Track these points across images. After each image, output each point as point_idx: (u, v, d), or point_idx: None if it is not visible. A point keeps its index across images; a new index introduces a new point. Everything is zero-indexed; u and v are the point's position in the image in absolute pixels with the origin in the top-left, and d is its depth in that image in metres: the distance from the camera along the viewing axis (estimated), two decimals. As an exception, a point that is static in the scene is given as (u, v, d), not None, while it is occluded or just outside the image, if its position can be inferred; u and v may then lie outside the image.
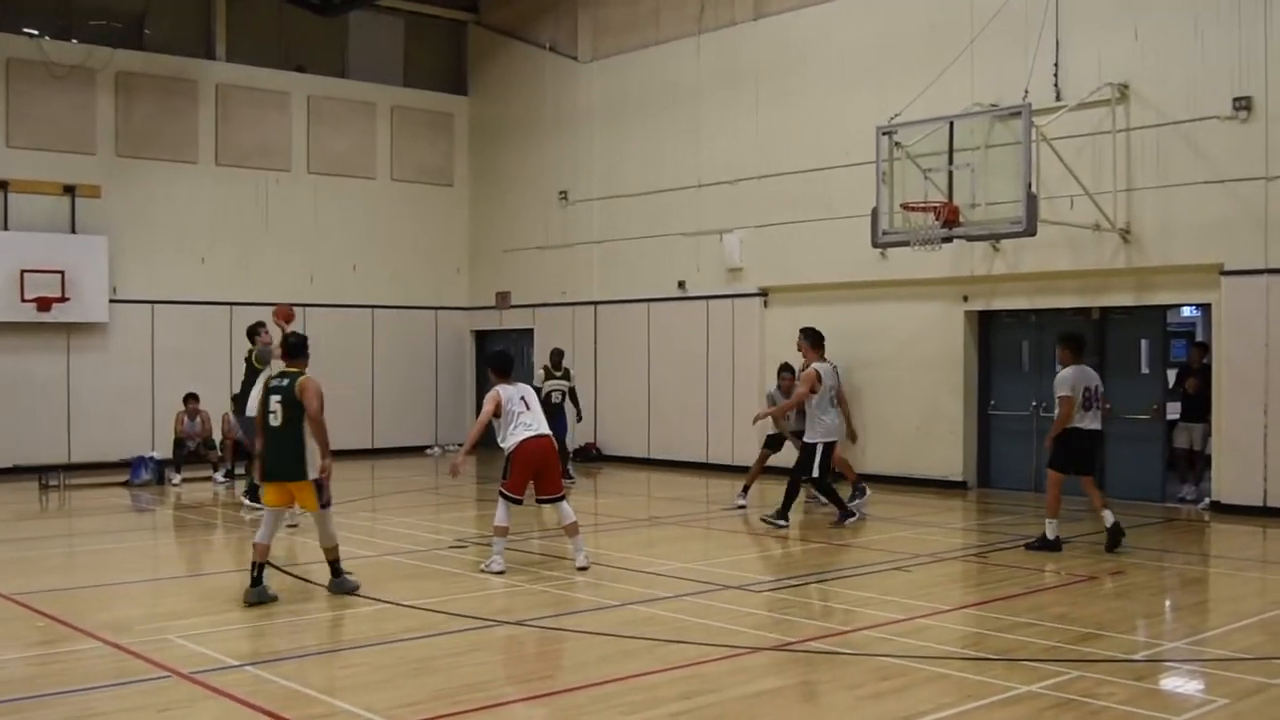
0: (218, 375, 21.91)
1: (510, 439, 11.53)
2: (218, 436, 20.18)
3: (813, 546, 13.46)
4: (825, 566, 12.19)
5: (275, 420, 10.36)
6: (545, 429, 11.67)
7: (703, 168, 21.25)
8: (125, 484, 19.43)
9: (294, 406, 10.29)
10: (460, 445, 25.18)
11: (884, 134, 15.82)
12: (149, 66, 22.38)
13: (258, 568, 10.23)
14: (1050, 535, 12.65)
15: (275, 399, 10.39)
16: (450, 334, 25.85)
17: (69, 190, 21.42)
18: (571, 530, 11.70)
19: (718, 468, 20.57)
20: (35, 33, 21.31)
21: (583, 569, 11.49)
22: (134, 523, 16.62)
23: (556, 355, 19.52)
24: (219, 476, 19.68)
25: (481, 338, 25.95)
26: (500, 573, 11.34)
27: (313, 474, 10.32)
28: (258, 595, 10.09)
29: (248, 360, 16.15)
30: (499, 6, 25.70)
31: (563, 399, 18.90)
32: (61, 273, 20.76)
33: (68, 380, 21.28)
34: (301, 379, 10.42)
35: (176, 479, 19.48)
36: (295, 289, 23.61)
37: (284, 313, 15.25)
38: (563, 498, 11.76)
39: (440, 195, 25.83)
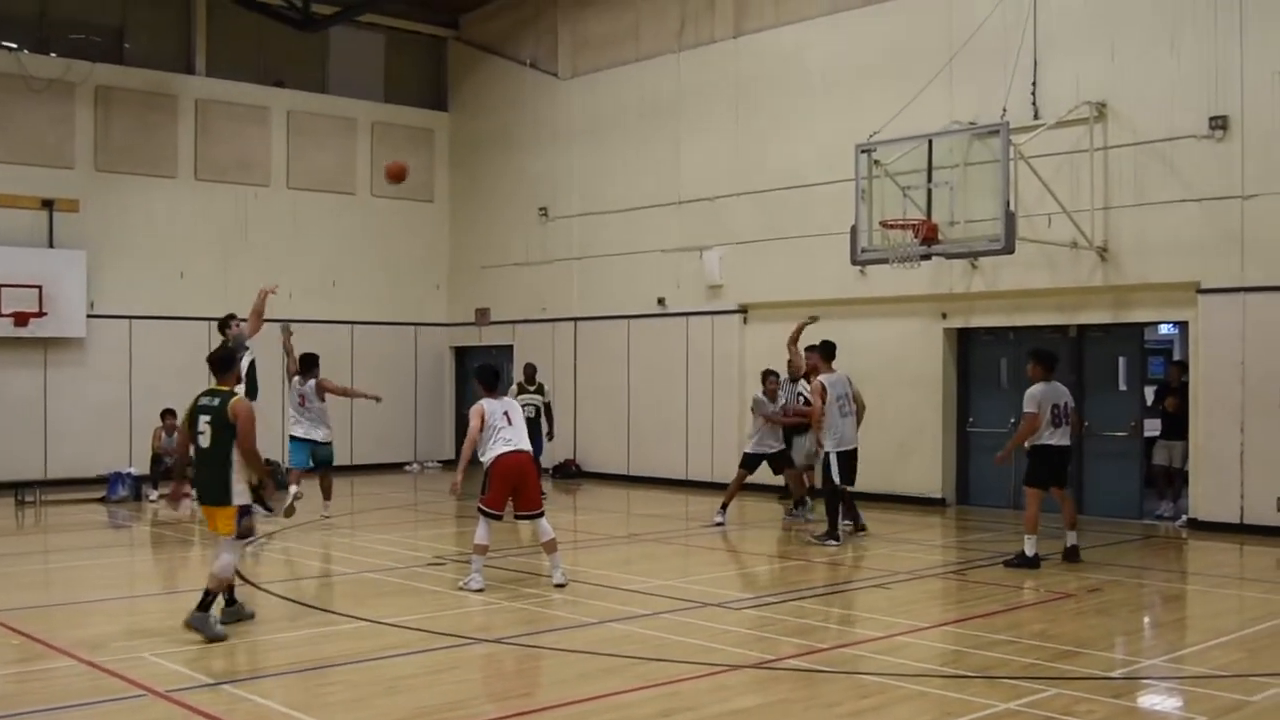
0: (196, 391, 21.72)
1: (489, 453, 11.52)
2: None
3: (792, 564, 13.45)
4: (804, 584, 12.18)
5: (204, 441, 9.74)
6: (525, 444, 11.65)
7: (682, 184, 21.28)
8: (102, 500, 19.32)
9: (224, 428, 9.62)
10: (440, 463, 25.29)
11: (863, 152, 15.88)
12: (128, 80, 22.32)
13: (228, 589, 9.95)
14: (1029, 552, 12.68)
15: (204, 419, 9.74)
16: (430, 350, 25.81)
17: (47, 204, 21.31)
18: (549, 548, 11.66)
19: (697, 484, 20.56)
20: (13, 46, 21.23)
21: (560, 586, 11.45)
22: (110, 539, 16.53)
23: (530, 370, 19.33)
24: (195, 493, 19.51)
25: (461, 354, 25.90)
26: (479, 590, 11.30)
27: (238, 500, 9.75)
28: (231, 615, 9.88)
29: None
30: (479, 23, 25.72)
31: (537, 414, 18.44)
32: (39, 287, 20.65)
33: (44, 396, 21.14)
34: (234, 400, 9.76)
35: (154, 495, 19.37)
36: (274, 305, 23.44)
37: (396, 169, 14.77)
38: (541, 514, 11.71)
39: (420, 211, 25.81)
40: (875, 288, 18.06)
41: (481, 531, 11.51)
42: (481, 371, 12.12)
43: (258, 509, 15.59)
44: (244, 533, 9.88)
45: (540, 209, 23.93)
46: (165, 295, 22.36)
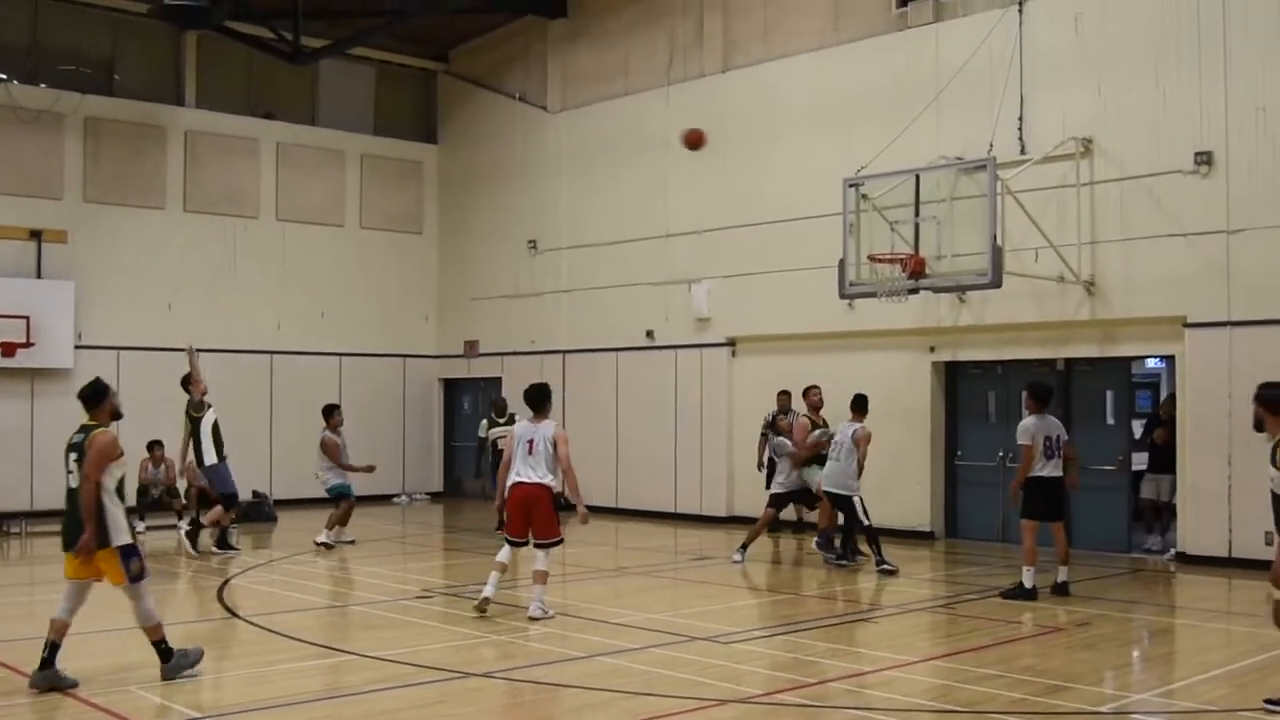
0: (182, 422, 21.73)
1: (507, 482, 11.69)
2: (182, 485, 19.99)
3: (781, 598, 13.42)
4: (793, 618, 12.14)
5: (73, 480, 9.11)
6: (536, 476, 11.62)
7: (671, 218, 21.33)
8: (88, 532, 19.17)
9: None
10: (429, 495, 25.23)
11: (850, 186, 15.95)
12: (118, 112, 22.34)
13: (51, 648, 8.96)
14: (1028, 584, 12.70)
15: (73, 457, 9.13)
16: (419, 382, 25.76)
17: (35, 235, 21.29)
18: (538, 578, 11.61)
19: (686, 517, 20.53)
20: (3, 77, 21.23)
21: (533, 619, 11.38)
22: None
23: (501, 403, 19.21)
24: (183, 525, 19.46)
25: (450, 386, 25.87)
26: (483, 600, 11.54)
27: (116, 540, 9.03)
28: (46, 679, 8.80)
29: (188, 413, 16.66)
30: (469, 56, 25.81)
31: None
32: (27, 318, 20.59)
33: (31, 426, 21.05)
34: (94, 433, 9.09)
35: (140, 527, 19.22)
36: (263, 336, 23.55)
37: (695, 137, 14.75)
38: (547, 545, 11.64)
39: (409, 243, 25.83)
40: (863, 321, 18.09)
41: (502, 551, 11.84)
42: (526, 392, 12.17)
43: (220, 552, 15.44)
44: (136, 575, 9.05)
45: (529, 241, 23.97)
46: (153, 326, 22.28)
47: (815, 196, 18.56)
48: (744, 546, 15.68)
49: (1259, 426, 8.22)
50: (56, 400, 21.20)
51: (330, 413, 18.04)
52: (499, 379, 24.50)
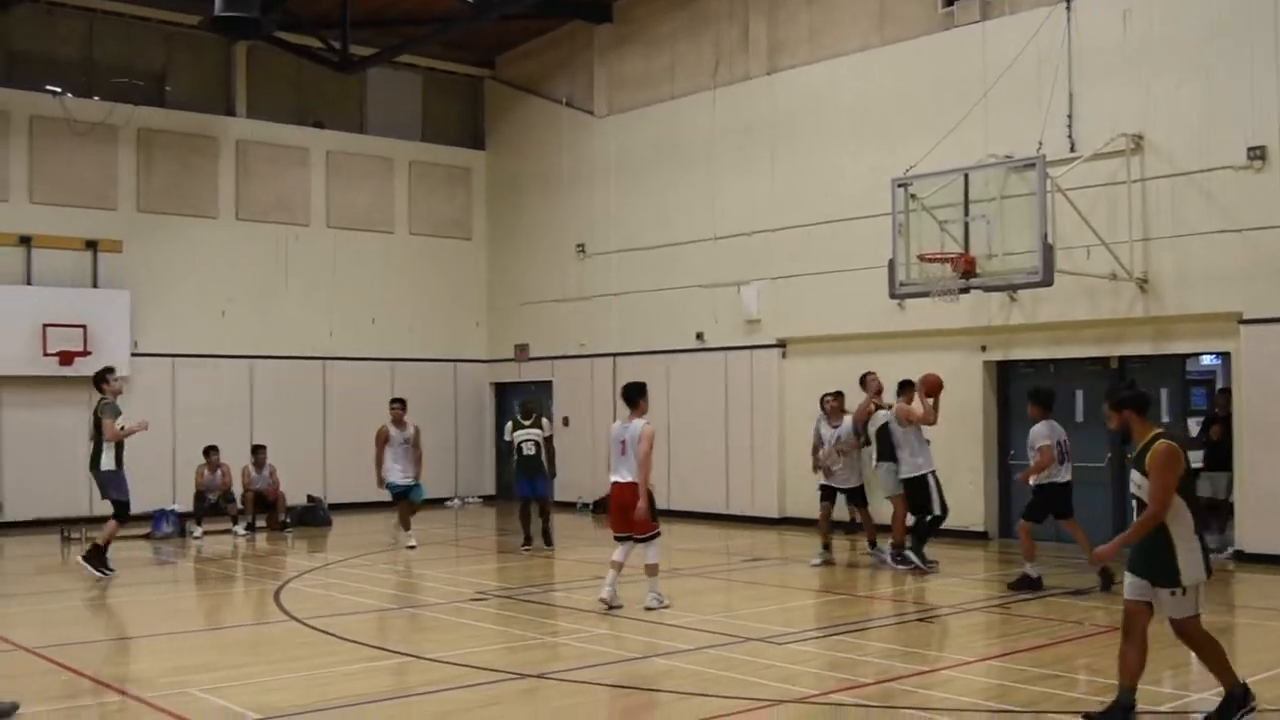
0: (238, 428, 22.02)
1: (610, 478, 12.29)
2: (238, 489, 20.21)
3: (835, 598, 13.38)
4: (847, 618, 12.11)
5: None
6: (628, 475, 12.05)
7: (719, 220, 21.33)
8: (147, 536, 19.46)
9: None
10: (481, 498, 25.33)
11: (899, 186, 15.90)
12: (170, 123, 22.60)
13: None
14: (1033, 574, 13.29)
15: None
16: (469, 386, 25.89)
17: (91, 245, 21.58)
18: (648, 571, 12.15)
19: (737, 519, 20.51)
20: (58, 90, 21.54)
21: (649, 609, 11.93)
22: (155, 575, 16.63)
23: (526, 405, 18.31)
24: (239, 529, 19.73)
25: (501, 390, 25.97)
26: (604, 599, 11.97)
27: None
28: None
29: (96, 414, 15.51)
30: (515, 62, 25.92)
31: (537, 451, 17.44)
32: (83, 327, 20.88)
33: (89, 433, 21.27)
34: None
35: (197, 531, 19.51)
36: (315, 343, 23.75)
37: (930, 381, 14.63)
38: (647, 540, 12.10)
39: (459, 249, 25.97)
40: (913, 321, 18.02)
41: (618, 550, 12.26)
42: (622, 390, 12.52)
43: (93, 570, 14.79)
44: None
45: (578, 245, 24.03)
46: (207, 334, 22.56)
47: (863, 197, 18.51)
48: (826, 546, 15.61)
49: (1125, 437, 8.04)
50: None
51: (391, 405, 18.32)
52: (549, 382, 24.59)
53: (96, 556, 15.05)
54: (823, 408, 16.14)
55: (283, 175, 23.83)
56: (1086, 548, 13.19)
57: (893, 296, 16.34)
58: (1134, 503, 7.62)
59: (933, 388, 14.79)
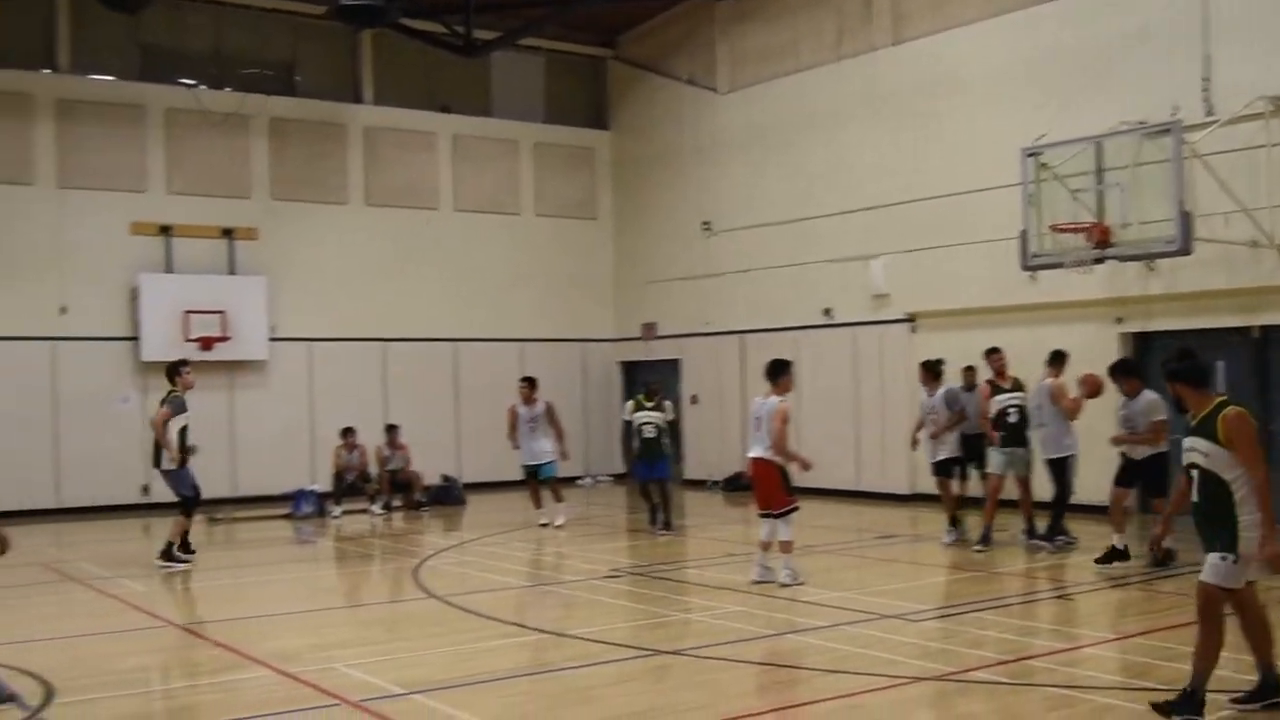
0: (373, 409, 22.43)
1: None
2: (374, 469, 20.62)
3: (970, 575, 13.24)
4: (984, 595, 11.98)
5: None
6: (757, 450, 12.32)
7: (845, 194, 21.15)
8: (288, 516, 19.98)
9: None
10: (612, 476, 25.49)
11: (1029, 155, 15.62)
12: (300, 112, 23.08)
13: None
14: (1120, 545, 13.07)
15: None
16: (598, 365, 26.05)
17: (227, 233, 22.16)
18: (783, 548, 12.22)
19: (868, 495, 20.38)
20: (192, 83, 22.11)
21: (784, 585, 11.98)
22: (296, 554, 17.05)
23: (650, 387, 17.90)
24: (376, 508, 20.13)
25: (629, 369, 26.08)
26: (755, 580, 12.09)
27: None
28: None
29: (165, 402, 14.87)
30: (636, 41, 25.96)
31: (658, 434, 17.09)
32: (222, 313, 21.48)
33: (230, 417, 21.93)
34: None
35: (336, 511, 19.95)
36: (443, 325, 24.10)
37: (1092, 382, 14.21)
38: (774, 515, 12.24)
39: (584, 229, 26.13)
40: (1047, 293, 17.69)
41: (764, 528, 12.43)
42: (766, 367, 12.76)
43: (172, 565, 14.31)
44: None
45: (703, 223, 24.02)
46: (341, 318, 23.05)
47: (993, 167, 18.19)
48: (953, 522, 15.32)
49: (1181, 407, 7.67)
50: (253, 391, 22.17)
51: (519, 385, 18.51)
52: (677, 360, 24.66)
53: (169, 554, 14.56)
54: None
55: (410, 160, 24.20)
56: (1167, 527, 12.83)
57: (1025, 268, 16.07)
58: (1194, 472, 7.37)
59: (1095, 389, 14.33)
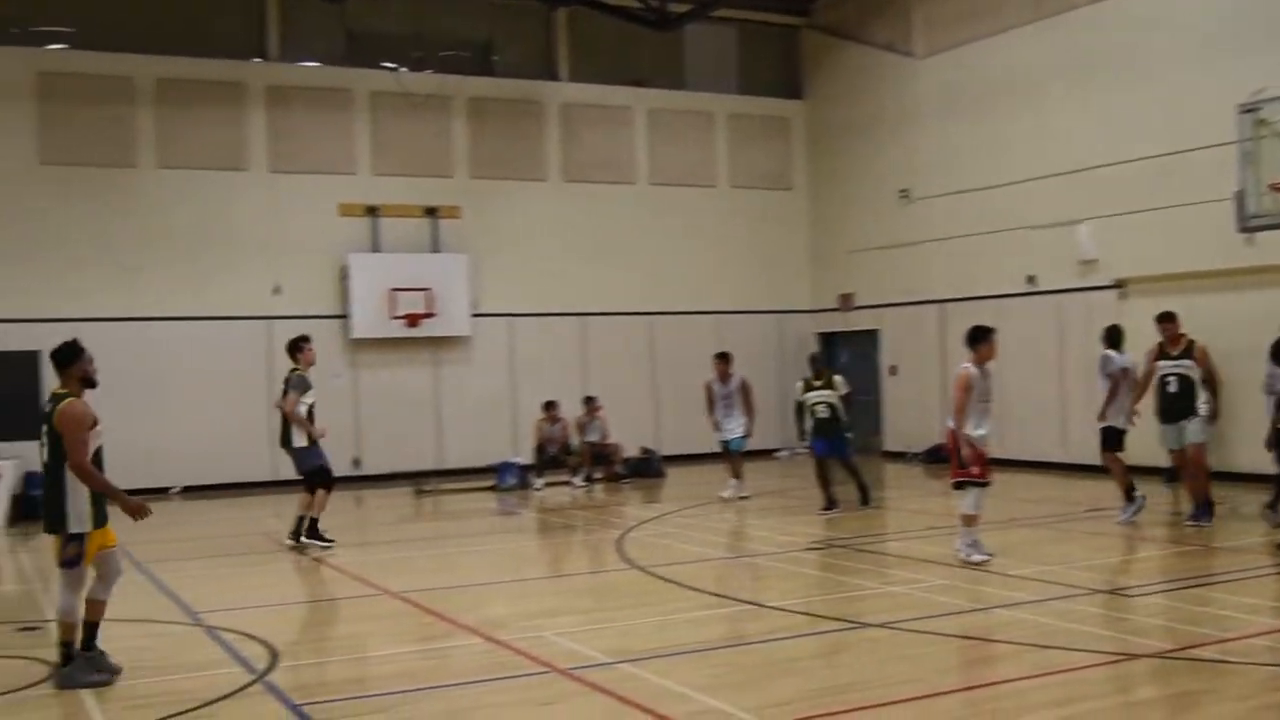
0: (572, 383, 22.74)
1: (973, 430, 11.98)
2: (575, 442, 20.92)
3: (1185, 550, 12.78)
4: (1201, 570, 11.57)
5: (45, 455, 8.19)
6: (950, 421, 12.13)
7: (1048, 157, 20.53)
8: (492, 488, 20.44)
9: (57, 441, 8.06)
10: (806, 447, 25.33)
11: (1245, 111, 14.94)
12: (498, 91, 23.49)
13: (77, 640, 8.24)
14: None
15: (44, 429, 8.17)
16: (795, 337, 25.86)
17: (431, 212, 22.70)
18: (962, 520, 11.96)
19: (1076, 468, 19.82)
20: (394, 67, 22.68)
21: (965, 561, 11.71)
22: (501, 525, 17.46)
23: (815, 362, 17.04)
24: (577, 480, 20.42)
25: (827, 340, 25.86)
26: (979, 561, 11.65)
27: (75, 527, 8.11)
28: (83, 670, 8.13)
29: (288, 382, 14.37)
30: (830, 8, 25.64)
31: (832, 413, 16.21)
32: (427, 290, 22.03)
33: (436, 391, 22.53)
34: (61, 405, 8.09)
35: (538, 483, 20.32)
36: (640, 299, 24.27)
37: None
38: (961, 485, 11.98)
39: (780, 200, 25.99)
40: (1265, 255, 16.90)
41: (968, 501, 11.93)
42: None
43: (314, 544, 13.95)
44: (66, 561, 8.18)
45: (900, 191, 23.63)
46: (541, 293, 23.43)
47: (1204, 125, 17.41)
48: (1129, 493, 14.62)
49: None
50: (458, 366, 22.75)
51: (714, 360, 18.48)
52: (875, 331, 24.39)
53: (315, 531, 14.23)
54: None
55: (606, 136, 24.41)
56: None
57: (1241, 230, 15.39)
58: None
59: None
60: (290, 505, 14.99)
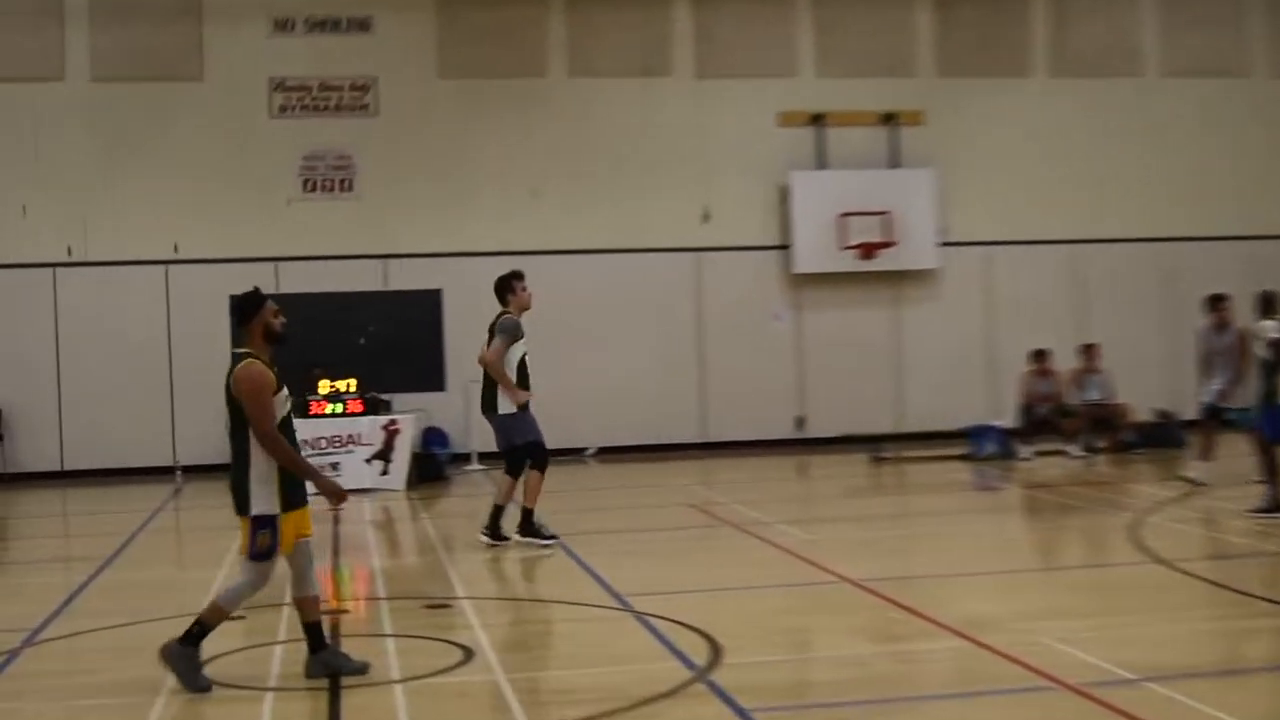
0: (1066, 329, 21.83)
1: None
2: (1072, 401, 20.14)
3: None
4: None
5: (227, 425, 8.30)
6: None
7: None
8: (966, 457, 20.04)
9: (237, 409, 8.11)
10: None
11: None
12: (971, -31, 22.91)
13: (316, 629, 8.36)
14: None
15: (225, 397, 8.24)
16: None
17: (888, 119, 22.43)
18: None
19: None
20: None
21: None
22: (979, 503, 17.10)
23: (1268, 299, 14.42)
24: (1075, 449, 19.72)
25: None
26: None
27: (258, 508, 8.06)
28: (324, 666, 8.28)
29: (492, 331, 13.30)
30: None
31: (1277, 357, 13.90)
32: (885, 214, 21.78)
33: (895, 338, 22.27)
34: (238, 368, 8.11)
35: (1025, 451, 19.74)
36: (1147, 221, 22.98)
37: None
38: None
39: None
40: None
41: None
42: None
43: (532, 543, 13.06)
44: (258, 553, 8.13)
45: None
46: (1025, 216, 22.73)
47: None
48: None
49: None
50: (922, 307, 22.43)
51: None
52: None
53: (530, 526, 13.19)
54: None
55: (1106, 18, 23.42)
56: None
57: None
58: None
59: None
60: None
